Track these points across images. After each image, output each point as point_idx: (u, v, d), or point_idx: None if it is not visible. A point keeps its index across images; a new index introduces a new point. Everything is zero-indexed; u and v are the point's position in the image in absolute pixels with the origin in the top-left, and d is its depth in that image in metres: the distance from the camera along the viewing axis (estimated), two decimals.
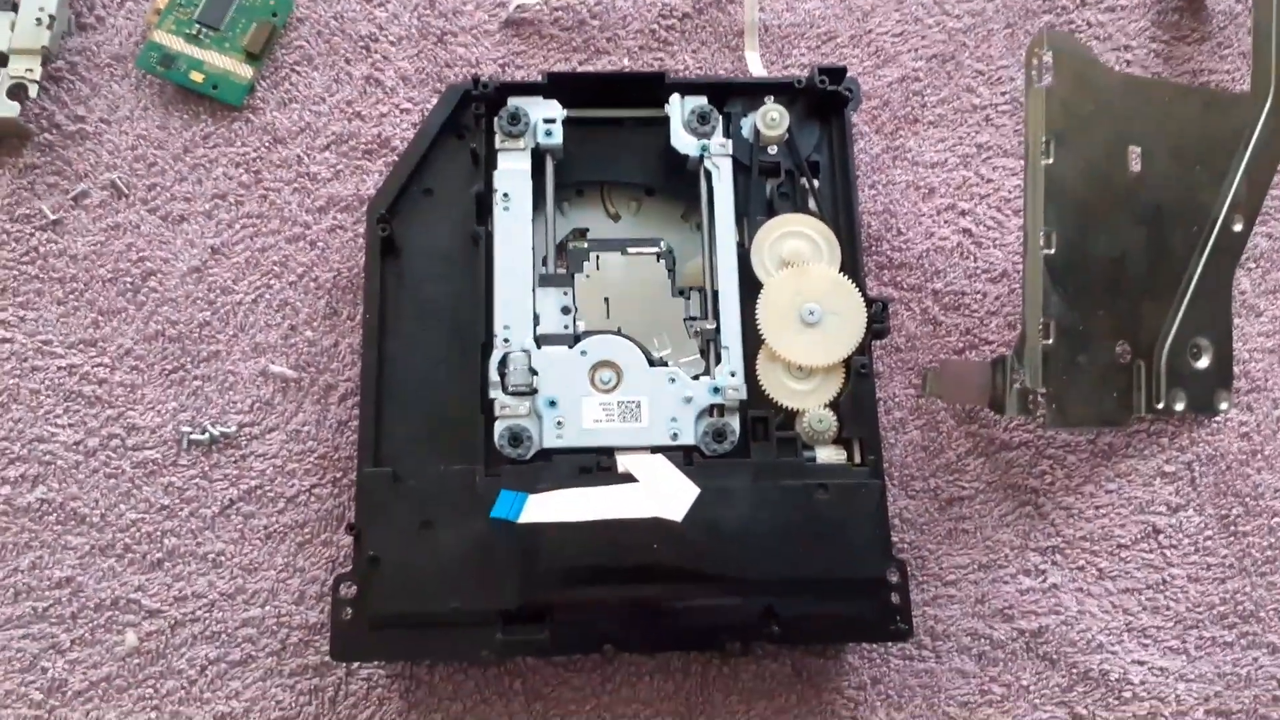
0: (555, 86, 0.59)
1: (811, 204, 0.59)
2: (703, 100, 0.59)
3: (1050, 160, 0.54)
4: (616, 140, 0.61)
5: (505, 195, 0.58)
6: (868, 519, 0.54)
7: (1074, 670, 0.58)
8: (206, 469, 0.59)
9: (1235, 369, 0.62)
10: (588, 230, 0.62)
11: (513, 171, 0.58)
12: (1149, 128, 0.58)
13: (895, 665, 0.58)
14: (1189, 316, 0.59)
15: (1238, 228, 0.60)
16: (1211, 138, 0.60)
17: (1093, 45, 0.66)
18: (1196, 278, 0.60)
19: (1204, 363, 0.60)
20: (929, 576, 0.59)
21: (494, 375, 0.55)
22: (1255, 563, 0.60)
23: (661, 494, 0.52)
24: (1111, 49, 0.67)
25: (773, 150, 0.59)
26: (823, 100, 0.60)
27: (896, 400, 0.61)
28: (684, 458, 0.54)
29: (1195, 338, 0.60)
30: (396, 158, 0.63)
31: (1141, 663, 0.58)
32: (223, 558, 0.58)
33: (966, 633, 0.58)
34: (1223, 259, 0.60)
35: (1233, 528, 0.60)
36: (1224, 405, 0.61)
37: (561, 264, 0.59)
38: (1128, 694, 0.58)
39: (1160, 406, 0.58)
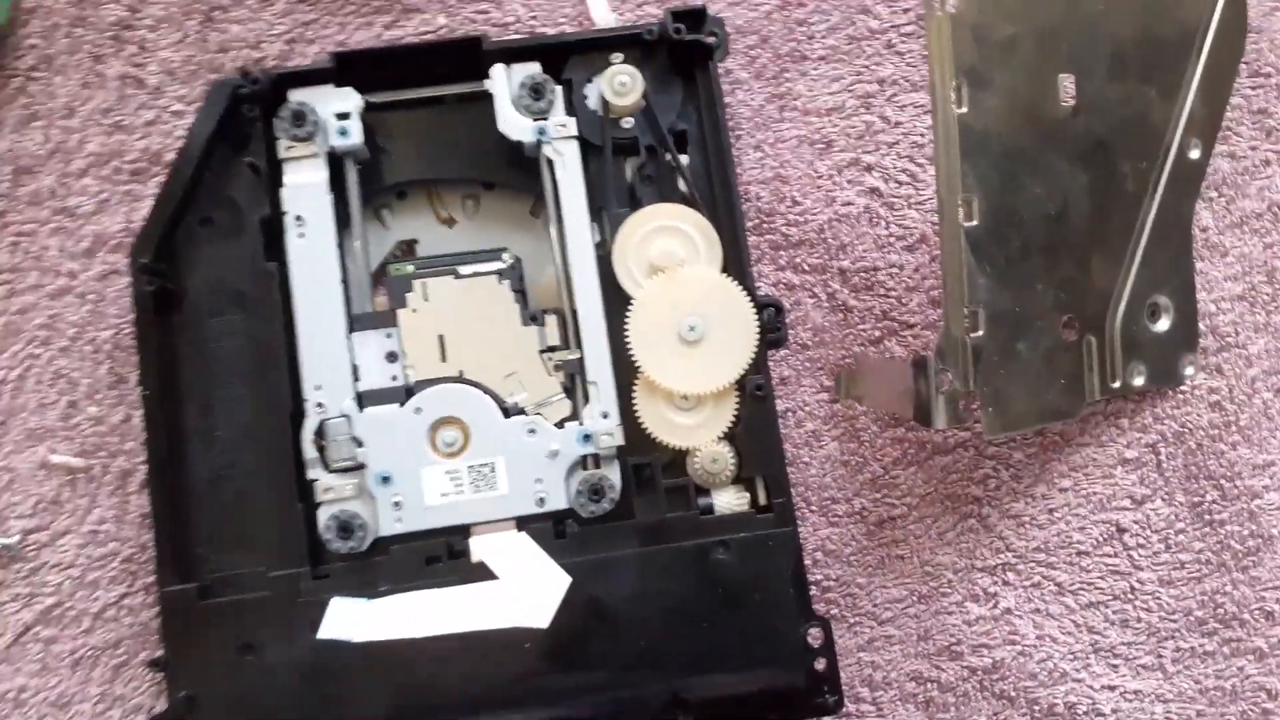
0: (345, 69, 0.47)
1: (682, 186, 0.48)
2: (535, 68, 0.48)
3: (964, 109, 0.44)
4: (436, 126, 0.49)
5: (298, 218, 0.47)
6: (779, 576, 0.45)
7: (1036, 707, 0.50)
8: None
9: (1200, 325, 0.52)
10: (416, 242, 0.50)
11: (304, 185, 0.47)
12: (1081, 47, 0.48)
13: None
14: (1144, 271, 0.50)
15: (1195, 154, 0.51)
16: (1157, 46, 0.50)
17: None
18: (1151, 221, 0.50)
19: (1164, 324, 0.51)
20: (861, 616, 0.50)
21: (310, 450, 0.45)
22: (1235, 555, 0.52)
23: (524, 591, 0.42)
24: None
25: (627, 123, 0.48)
26: (682, 52, 0.48)
27: (808, 409, 0.52)
28: (553, 528, 0.45)
29: (1153, 295, 0.51)
30: None
31: (1112, 687, 0.50)
32: (25, 694, 0.49)
33: (910, 677, 0.50)
34: (1180, 193, 0.51)
35: (1207, 516, 0.52)
36: (1189, 371, 0.52)
37: (381, 295, 0.48)
38: None
39: (1117, 385, 0.50)
